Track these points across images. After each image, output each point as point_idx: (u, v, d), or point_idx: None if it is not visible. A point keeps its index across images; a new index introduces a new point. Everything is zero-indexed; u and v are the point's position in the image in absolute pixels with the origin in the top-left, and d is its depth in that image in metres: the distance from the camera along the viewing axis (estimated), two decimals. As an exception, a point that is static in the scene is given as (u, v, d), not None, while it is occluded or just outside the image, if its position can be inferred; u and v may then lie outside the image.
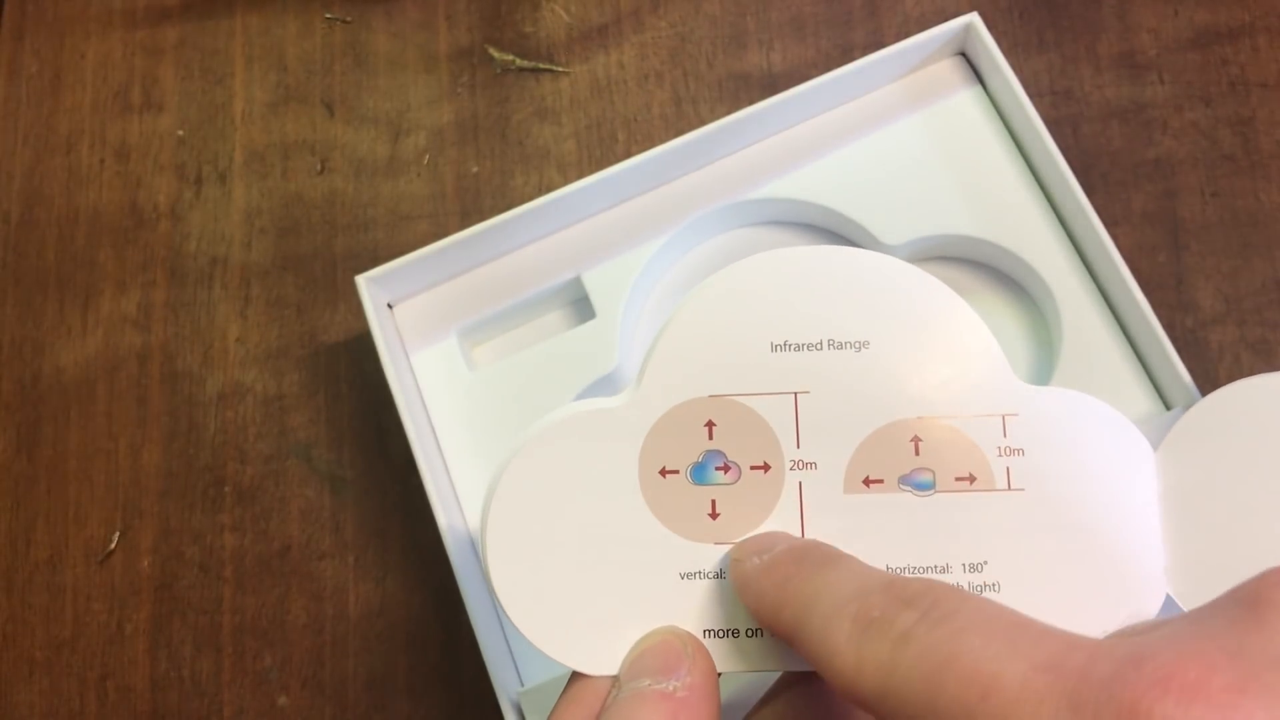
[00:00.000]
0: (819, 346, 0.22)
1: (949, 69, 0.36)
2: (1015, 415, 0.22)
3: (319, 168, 0.40)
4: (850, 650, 0.17)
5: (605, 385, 0.34)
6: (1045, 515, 0.22)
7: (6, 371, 0.39)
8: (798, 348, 0.22)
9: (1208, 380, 0.34)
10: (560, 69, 0.40)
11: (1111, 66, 0.38)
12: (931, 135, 0.35)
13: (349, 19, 0.41)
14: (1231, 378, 0.29)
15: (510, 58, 0.40)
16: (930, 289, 0.22)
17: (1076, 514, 0.22)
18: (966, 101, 0.35)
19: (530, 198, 0.35)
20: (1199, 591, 0.21)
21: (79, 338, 0.39)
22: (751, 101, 0.34)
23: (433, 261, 0.34)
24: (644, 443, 0.22)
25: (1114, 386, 0.32)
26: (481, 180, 0.39)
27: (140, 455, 0.37)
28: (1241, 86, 0.37)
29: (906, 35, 0.34)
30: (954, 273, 0.35)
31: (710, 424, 0.22)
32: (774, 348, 0.22)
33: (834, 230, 0.36)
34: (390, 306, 0.35)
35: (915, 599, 0.17)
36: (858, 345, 0.22)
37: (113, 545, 0.37)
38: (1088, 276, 0.33)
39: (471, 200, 0.39)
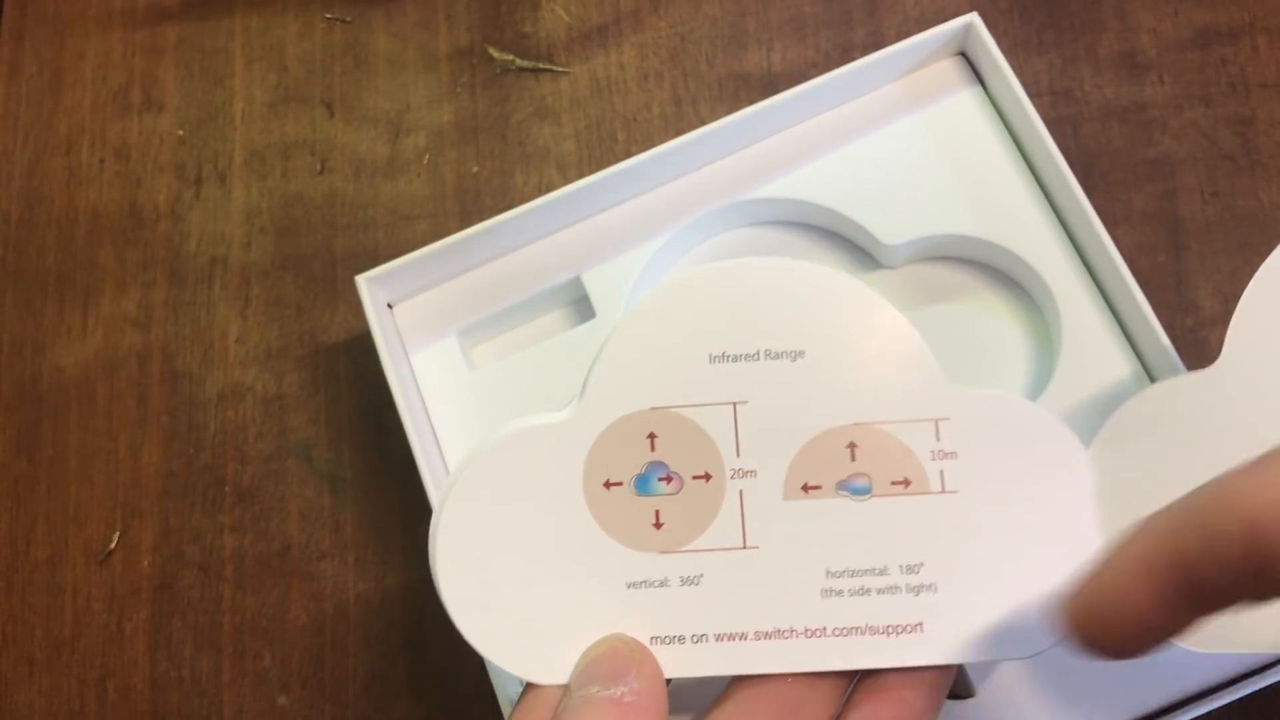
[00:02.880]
0: (756, 357, 0.23)
1: (949, 69, 0.36)
2: (947, 419, 0.22)
3: (319, 168, 0.40)
4: None
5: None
6: (979, 516, 0.22)
7: (6, 371, 0.39)
8: (735, 359, 0.23)
9: (1208, 380, 0.34)
10: (560, 69, 0.40)
11: (1111, 66, 0.38)
12: (931, 135, 0.35)
13: (349, 19, 0.41)
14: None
15: (510, 58, 0.40)
16: (863, 298, 0.23)
17: (1010, 513, 0.22)
18: (966, 101, 0.35)
19: (530, 198, 0.35)
20: None
21: (79, 338, 0.39)
22: (751, 101, 0.34)
23: (433, 261, 0.34)
24: (588, 456, 0.22)
25: (1113, 387, 0.32)
26: (481, 180, 0.39)
27: (140, 455, 0.37)
28: (1241, 86, 0.37)
29: (906, 35, 0.34)
30: (954, 273, 0.35)
31: (652, 436, 0.22)
32: (712, 359, 0.23)
33: (834, 230, 0.36)
34: (390, 306, 0.35)
35: None
36: (793, 355, 0.22)
37: (113, 545, 0.37)
38: (1088, 276, 0.33)
39: (471, 200, 0.39)
